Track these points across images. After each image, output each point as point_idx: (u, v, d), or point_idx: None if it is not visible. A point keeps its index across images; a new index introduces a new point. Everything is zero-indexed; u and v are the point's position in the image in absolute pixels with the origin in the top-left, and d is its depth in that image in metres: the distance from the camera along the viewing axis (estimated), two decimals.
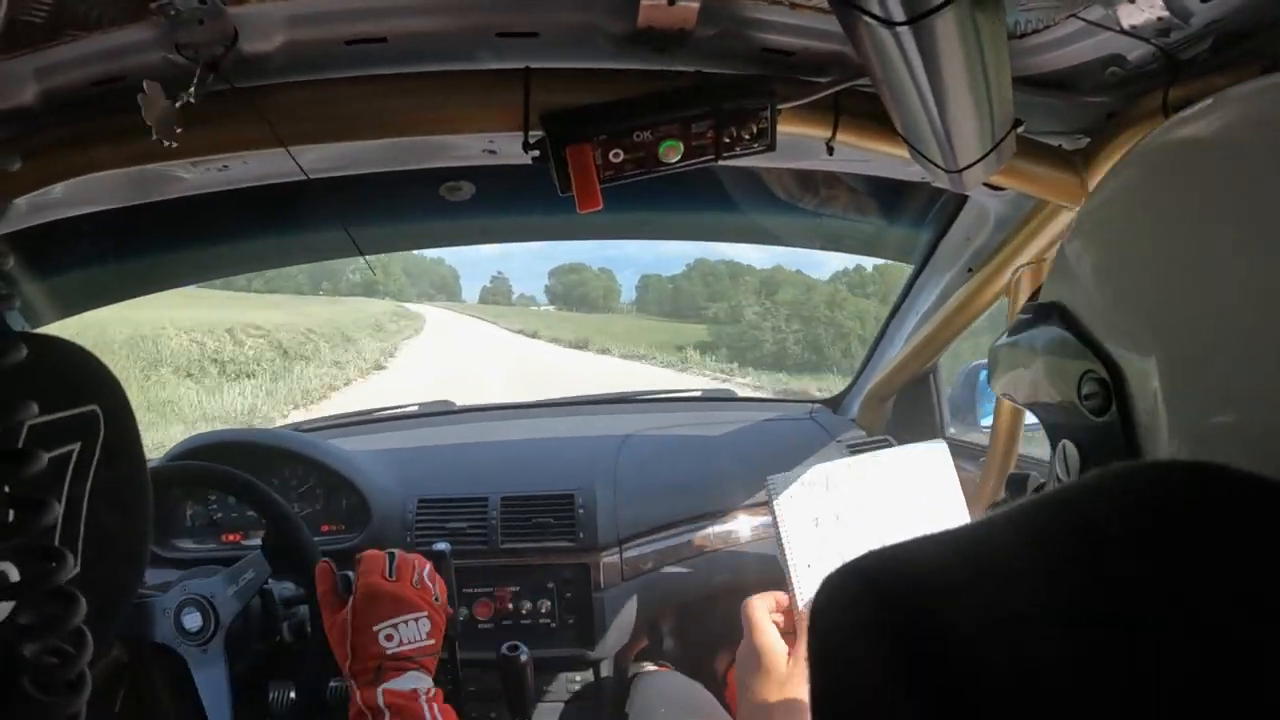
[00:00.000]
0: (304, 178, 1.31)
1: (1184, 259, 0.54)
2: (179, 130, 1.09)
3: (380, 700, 1.32)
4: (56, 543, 0.66)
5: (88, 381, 0.77)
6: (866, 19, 0.82)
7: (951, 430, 2.53)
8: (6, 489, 0.60)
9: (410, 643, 1.40)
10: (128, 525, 0.80)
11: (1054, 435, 0.67)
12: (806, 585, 1.39)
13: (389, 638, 1.39)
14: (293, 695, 1.37)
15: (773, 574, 2.21)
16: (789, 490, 1.43)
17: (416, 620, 1.42)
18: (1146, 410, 0.57)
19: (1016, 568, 0.45)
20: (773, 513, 1.41)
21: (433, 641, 1.43)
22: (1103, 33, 1.12)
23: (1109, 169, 0.66)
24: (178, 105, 1.07)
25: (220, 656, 1.68)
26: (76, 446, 0.71)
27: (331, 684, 1.65)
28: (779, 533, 1.39)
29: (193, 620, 1.68)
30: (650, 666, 2.25)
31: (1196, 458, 0.49)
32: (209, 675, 1.68)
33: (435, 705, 1.35)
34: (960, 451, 2.38)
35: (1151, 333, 0.56)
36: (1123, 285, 0.60)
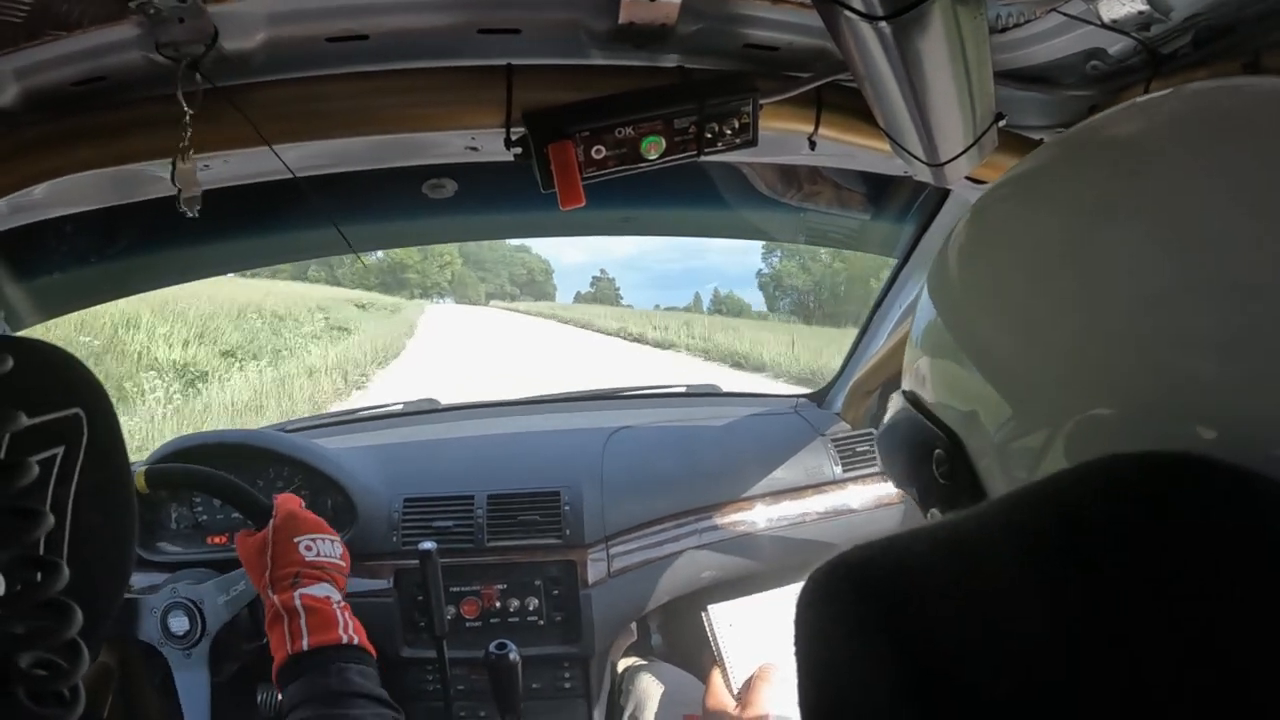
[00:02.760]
0: (285, 176, 1.31)
1: (1066, 258, 0.56)
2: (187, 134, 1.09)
3: (297, 602, 1.36)
4: (42, 548, 0.66)
5: (70, 385, 0.76)
6: (848, 14, 0.82)
7: None
8: None
9: (327, 556, 1.48)
10: (113, 529, 0.79)
11: (923, 505, 0.71)
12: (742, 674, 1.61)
13: (308, 548, 1.46)
14: (279, 698, 1.37)
15: (758, 569, 2.24)
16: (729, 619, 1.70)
17: (332, 541, 1.52)
18: (986, 462, 0.62)
19: (999, 563, 0.46)
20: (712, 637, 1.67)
21: (344, 564, 1.51)
22: (1084, 27, 1.12)
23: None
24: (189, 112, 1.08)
25: (204, 662, 1.68)
26: (60, 450, 0.70)
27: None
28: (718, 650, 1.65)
29: (179, 623, 1.67)
30: (641, 661, 2.25)
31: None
32: (191, 679, 1.68)
33: (347, 613, 1.39)
34: None
35: (994, 384, 0.60)
36: (969, 326, 0.64)
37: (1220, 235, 0.50)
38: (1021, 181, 0.66)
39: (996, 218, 0.66)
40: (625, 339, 31.39)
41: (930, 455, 0.65)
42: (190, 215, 1.15)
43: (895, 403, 0.74)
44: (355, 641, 1.35)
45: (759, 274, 55.66)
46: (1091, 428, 0.53)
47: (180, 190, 1.13)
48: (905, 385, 0.73)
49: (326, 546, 1.49)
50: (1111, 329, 0.52)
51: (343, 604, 1.41)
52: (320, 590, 1.41)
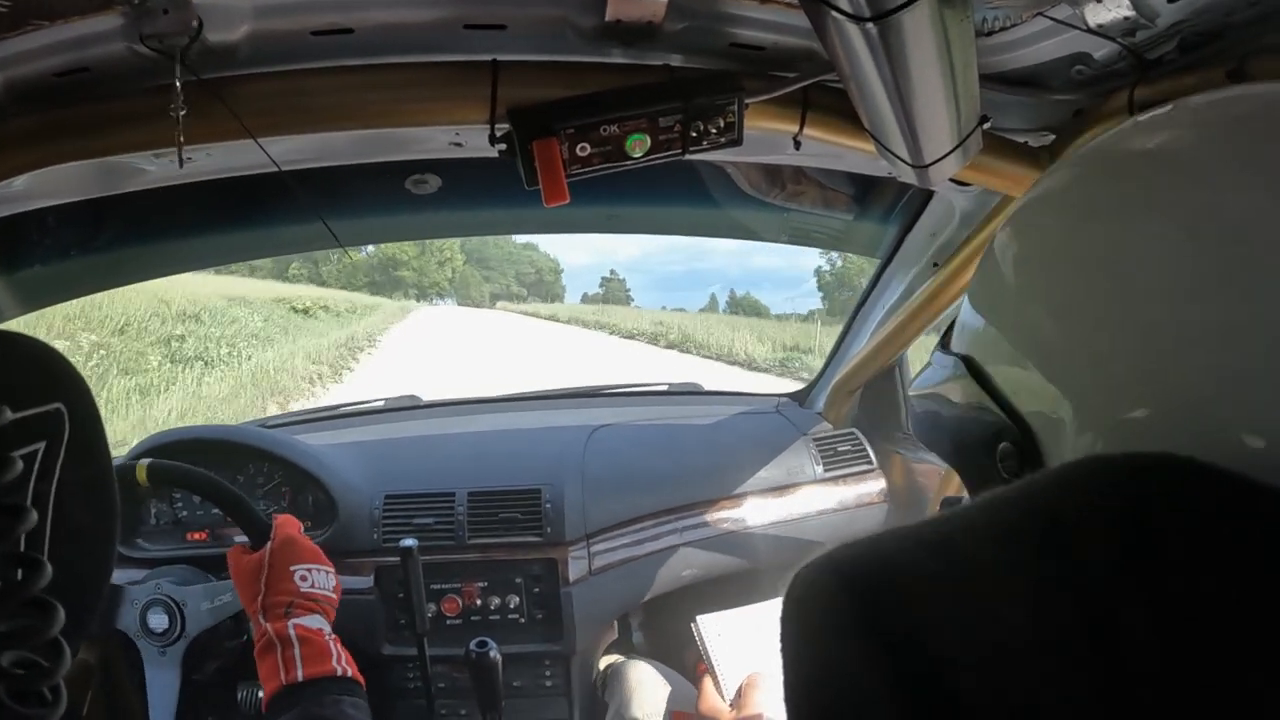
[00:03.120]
0: (269, 170, 1.30)
1: (1106, 260, 0.56)
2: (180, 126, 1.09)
3: (291, 631, 1.36)
4: (23, 545, 0.65)
5: (52, 379, 0.76)
6: (834, 14, 0.82)
7: None
8: None
9: (321, 588, 1.47)
10: (95, 525, 0.79)
11: (975, 492, 0.70)
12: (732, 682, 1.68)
13: (303, 578, 1.46)
14: (260, 695, 1.37)
15: (739, 568, 2.24)
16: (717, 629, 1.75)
17: (327, 572, 1.50)
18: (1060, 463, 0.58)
19: (987, 564, 0.46)
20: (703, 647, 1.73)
21: (335, 597, 1.50)
22: (1070, 31, 1.12)
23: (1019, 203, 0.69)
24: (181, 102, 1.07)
25: (177, 662, 1.68)
26: (41, 446, 0.70)
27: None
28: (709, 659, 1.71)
29: (159, 620, 1.67)
30: (623, 659, 2.25)
31: None
32: (162, 678, 1.68)
33: (338, 645, 1.40)
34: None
35: (1059, 386, 0.59)
36: (1028, 331, 0.62)
37: (1261, 232, 0.50)
38: (1061, 190, 0.65)
39: (1042, 223, 0.65)
40: (666, 346, 27.90)
41: (993, 446, 0.63)
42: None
43: (947, 366, 0.71)
44: (348, 674, 1.36)
45: (818, 271, 53.70)
46: (1142, 428, 0.52)
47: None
48: (962, 346, 0.70)
49: (321, 578, 1.49)
50: (1155, 327, 0.52)
51: (334, 636, 1.41)
52: (313, 621, 1.41)
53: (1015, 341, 0.63)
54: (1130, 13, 1.04)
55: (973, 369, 0.67)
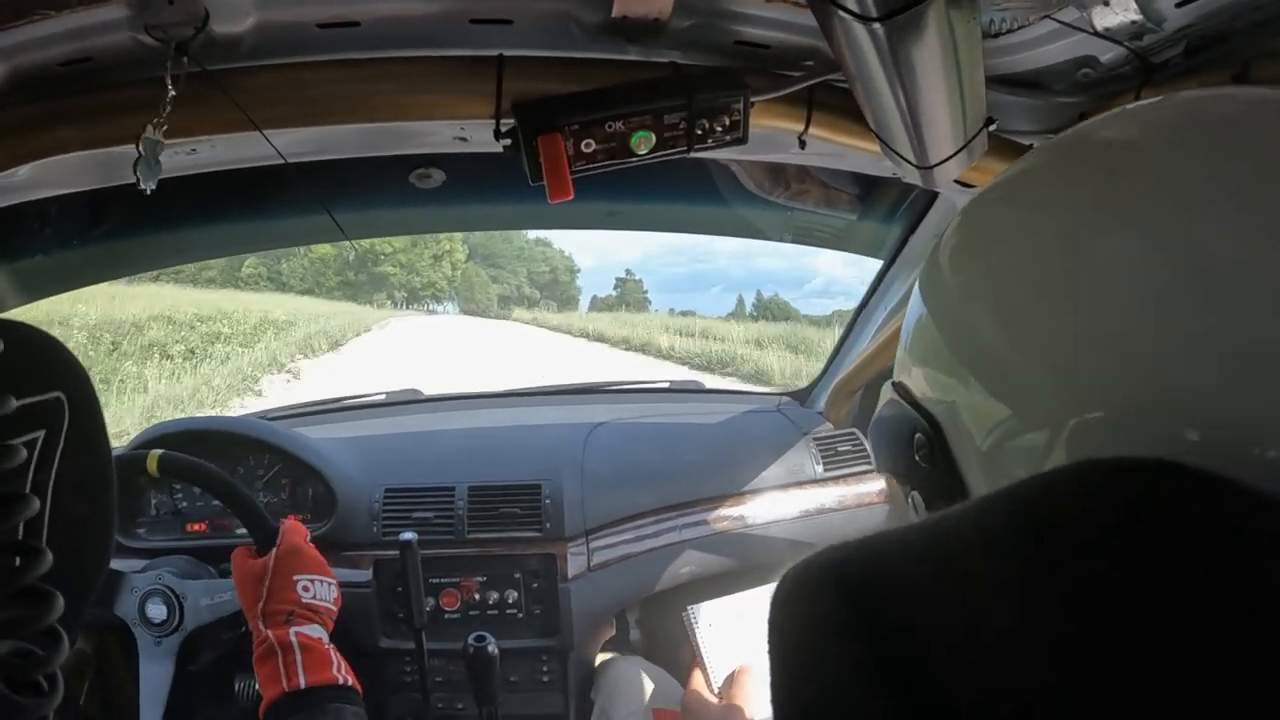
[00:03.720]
0: (274, 162, 1.30)
1: (1053, 259, 0.57)
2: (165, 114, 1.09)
3: (293, 638, 1.37)
4: (21, 533, 0.65)
5: (52, 367, 0.75)
6: (841, 14, 0.83)
7: None
8: None
9: (322, 599, 1.48)
10: (93, 514, 0.79)
11: (903, 487, 0.74)
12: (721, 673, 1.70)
13: (305, 589, 1.46)
14: (257, 687, 1.37)
15: (738, 566, 2.24)
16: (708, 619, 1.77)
17: (329, 584, 1.51)
18: (962, 449, 0.64)
19: (973, 566, 0.46)
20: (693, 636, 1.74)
21: (335, 608, 1.51)
22: (1076, 34, 1.12)
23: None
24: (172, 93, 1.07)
25: (172, 655, 1.68)
26: (41, 434, 0.70)
27: None
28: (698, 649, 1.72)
29: (157, 611, 1.67)
30: (615, 656, 2.26)
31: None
32: (155, 669, 1.68)
33: (336, 654, 1.41)
34: None
35: (947, 383, 0.65)
36: (967, 332, 0.64)
37: (1211, 239, 0.50)
38: (1015, 184, 0.66)
39: (990, 220, 0.66)
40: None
41: (911, 439, 0.68)
42: (146, 190, 1.13)
43: (886, 392, 0.76)
44: (348, 683, 1.37)
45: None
46: (1080, 431, 0.53)
47: (141, 160, 1.12)
48: (895, 377, 0.76)
49: (323, 590, 1.50)
50: (1101, 331, 0.52)
51: (332, 645, 1.42)
52: (314, 631, 1.42)
53: (946, 334, 0.67)
54: (1137, 16, 1.04)
55: (900, 391, 0.73)
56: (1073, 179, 0.60)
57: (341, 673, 1.37)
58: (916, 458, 0.68)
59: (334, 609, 1.51)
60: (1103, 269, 0.53)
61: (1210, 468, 0.44)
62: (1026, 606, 0.43)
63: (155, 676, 1.68)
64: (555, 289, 72.49)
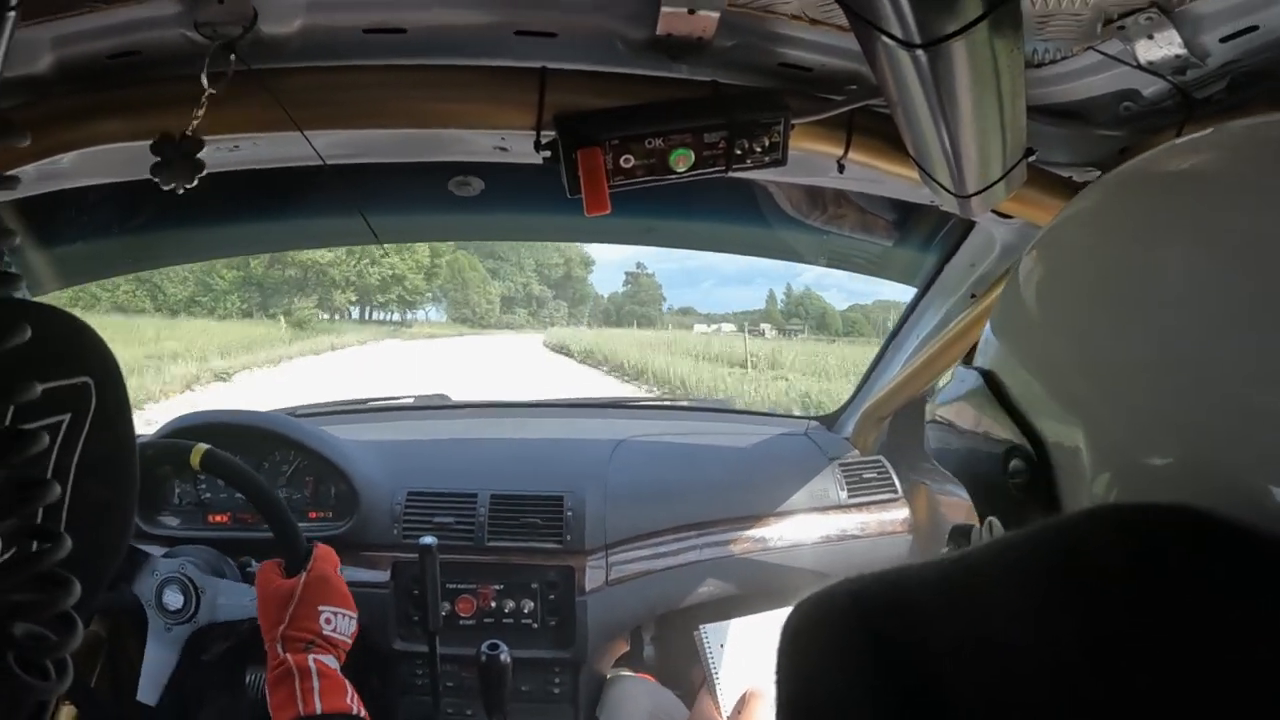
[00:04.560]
0: (314, 163, 1.31)
1: (1131, 288, 0.55)
2: (200, 111, 1.10)
3: (312, 664, 1.39)
4: (40, 517, 0.66)
5: (81, 353, 0.76)
6: (885, 39, 0.82)
7: None
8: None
9: (341, 633, 1.49)
10: (114, 499, 0.79)
11: (981, 509, 0.68)
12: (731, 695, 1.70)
13: (328, 621, 1.48)
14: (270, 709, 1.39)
15: (756, 588, 2.23)
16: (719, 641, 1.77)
17: (350, 618, 1.52)
18: (1071, 487, 0.57)
19: (995, 604, 0.46)
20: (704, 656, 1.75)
21: (350, 643, 1.52)
22: (1120, 67, 1.12)
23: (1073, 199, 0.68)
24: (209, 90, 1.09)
25: (180, 643, 1.69)
26: (66, 417, 0.70)
27: None
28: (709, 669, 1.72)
29: (174, 599, 1.68)
30: (628, 673, 2.25)
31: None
32: (161, 654, 1.69)
33: (350, 685, 1.42)
34: (952, 477, 2.38)
35: (1075, 403, 0.57)
36: (1049, 345, 0.61)
37: None
38: (1091, 212, 0.64)
39: (1068, 248, 0.64)
40: None
41: (1005, 461, 0.61)
42: (173, 189, 1.15)
43: (966, 381, 0.69)
44: (361, 714, 1.38)
45: None
46: (1160, 475, 0.50)
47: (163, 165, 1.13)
48: (984, 361, 0.68)
49: (344, 624, 1.51)
50: (1181, 363, 0.50)
51: (344, 678, 1.44)
52: (331, 661, 1.44)
53: (1034, 366, 0.61)
54: (1182, 51, 1.03)
55: (992, 384, 0.65)
56: (1150, 205, 0.58)
57: (355, 703, 1.38)
58: (1011, 485, 0.60)
59: (349, 642, 1.52)
60: (1183, 295, 0.51)
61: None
62: (1040, 634, 0.43)
63: (159, 661, 1.69)
64: (568, 286, 62.88)
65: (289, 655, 1.39)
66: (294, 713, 1.33)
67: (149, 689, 1.67)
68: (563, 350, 35.16)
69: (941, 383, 2.54)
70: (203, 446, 1.64)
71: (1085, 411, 0.56)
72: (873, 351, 2.57)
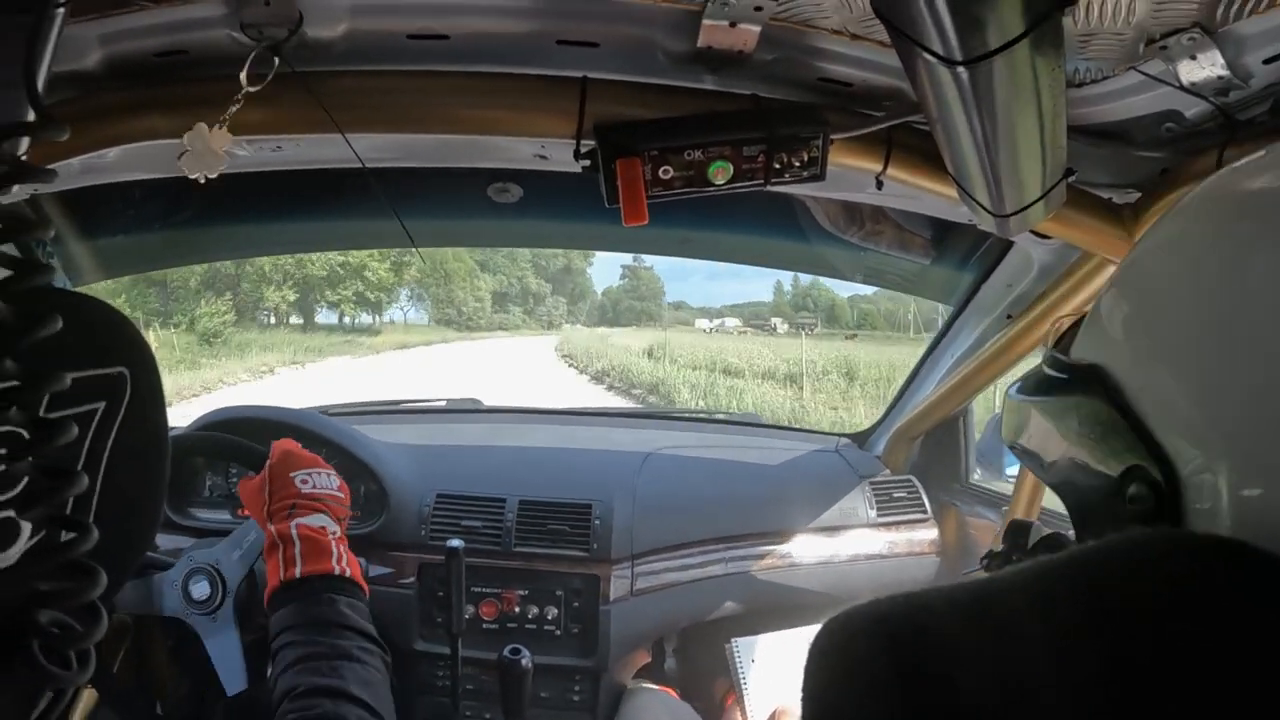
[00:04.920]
0: (355, 165, 1.32)
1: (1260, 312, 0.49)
2: (236, 108, 1.12)
3: (293, 530, 1.36)
4: (70, 507, 0.66)
5: (117, 343, 0.77)
6: (926, 56, 0.82)
7: (976, 476, 2.51)
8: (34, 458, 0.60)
9: (323, 488, 1.48)
10: (144, 488, 0.80)
11: (1082, 526, 0.62)
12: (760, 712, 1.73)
13: (304, 481, 1.47)
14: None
15: (781, 604, 2.22)
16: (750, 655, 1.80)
17: (328, 474, 1.51)
18: (1205, 520, 0.50)
19: (1020, 631, 0.46)
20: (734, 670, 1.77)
21: (342, 495, 1.50)
22: (1161, 87, 1.11)
23: (1160, 217, 0.62)
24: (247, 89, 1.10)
25: (231, 622, 1.69)
26: (101, 406, 0.71)
27: None
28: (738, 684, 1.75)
29: (200, 589, 1.68)
30: (649, 684, 2.25)
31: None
32: (221, 642, 1.68)
33: (342, 545, 1.39)
34: (983, 499, 2.36)
35: (1219, 425, 0.50)
36: (1182, 356, 0.54)
37: None
38: (1184, 232, 0.59)
39: (1158, 271, 0.59)
40: None
41: (1123, 482, 0.54)
42: (198, 180, 1.16)
43: (1065, 374, 0.61)
44: (348, 574, 1.36)
45: None
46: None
47: (190, 154, 1.15)
48: (1091, 356, 0.60)
49: (322, 479, 1.50)
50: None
51: (339, 537, 1.41)
52: (316, 520, 1.41)
53: (1184, 378, 0.53)
54: (1225, 72, 1.03)
55: (1107, 384, 0.57)
56: (1237, 226, 0.55)
57: (342, 564, 1.36)
58: (1125, 505, 0.53)
59: (340, 495, 1.51)
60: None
61: None
62: (1065, 661, 0.42)
63: (227, 648, 1.68)
64: (568, 280, 55.56)
65: (274, 526, 1.39)
66: (276, 581, 1.32)
67: (231, 678, 1.67)
68: (570, 359, 30.22)
69: (977, 411, 2.53)
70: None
71: (1230, 425, 0.49)
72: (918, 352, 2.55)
